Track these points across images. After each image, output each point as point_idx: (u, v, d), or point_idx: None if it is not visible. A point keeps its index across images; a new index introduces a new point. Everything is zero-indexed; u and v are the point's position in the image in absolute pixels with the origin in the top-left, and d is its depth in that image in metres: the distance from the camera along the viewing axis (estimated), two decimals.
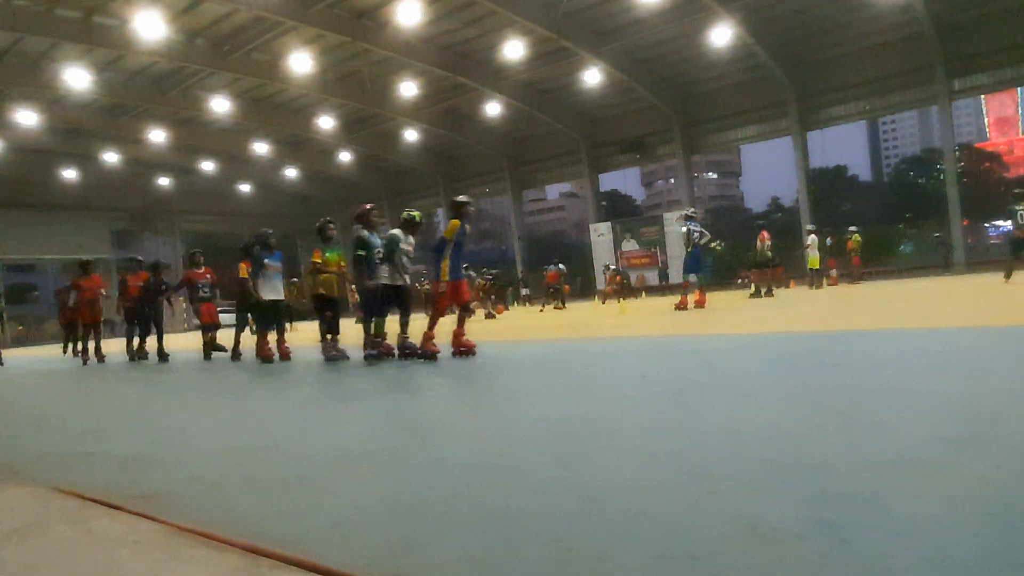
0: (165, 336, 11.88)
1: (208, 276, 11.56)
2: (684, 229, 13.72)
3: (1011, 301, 8.92)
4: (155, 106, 28.29)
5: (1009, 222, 15.76)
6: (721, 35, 22.74)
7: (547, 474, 2.33)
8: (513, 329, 12.50)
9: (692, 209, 17.83)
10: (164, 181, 37.68)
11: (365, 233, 7.35)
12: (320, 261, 8.20)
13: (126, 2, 20.31)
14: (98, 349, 12.19)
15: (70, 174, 33.95)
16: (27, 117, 26.15)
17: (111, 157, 32.33)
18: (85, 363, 11.98)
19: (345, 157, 35.85)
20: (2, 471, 3.08)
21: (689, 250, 13.48)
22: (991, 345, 4.88)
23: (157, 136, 29.68)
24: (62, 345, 15.69)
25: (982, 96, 58.64)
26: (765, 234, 17.62)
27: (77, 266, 12.78)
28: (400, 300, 7.48)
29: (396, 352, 7.41)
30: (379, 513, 2.06)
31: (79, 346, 13.62)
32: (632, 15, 23.24)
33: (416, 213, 7.75)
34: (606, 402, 3.80)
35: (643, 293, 23.72)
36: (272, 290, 9.01)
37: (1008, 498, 1.72)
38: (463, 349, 6.97)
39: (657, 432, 2.89)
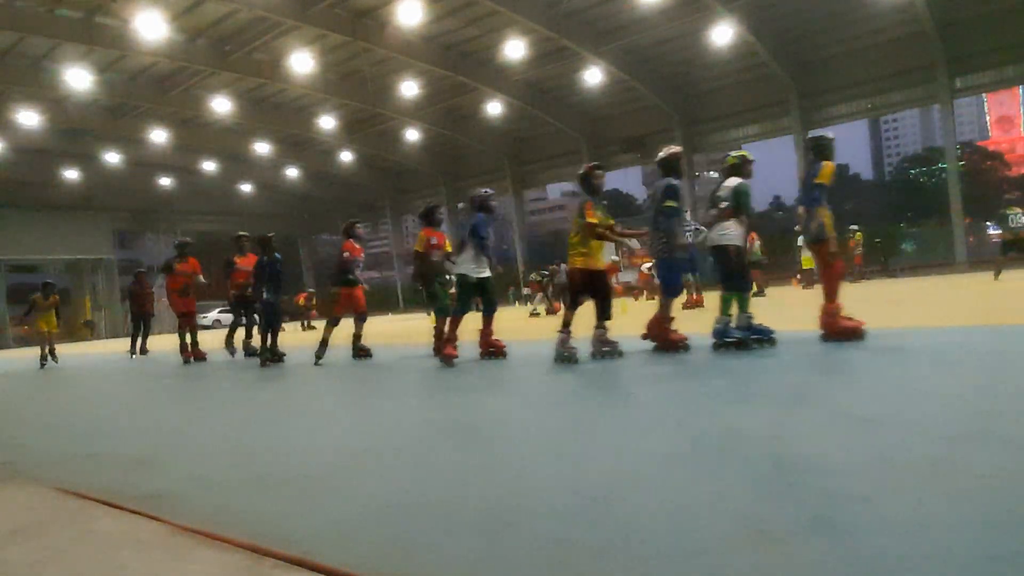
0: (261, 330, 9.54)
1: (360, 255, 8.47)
2: None
3: (1010, 300, 8.91)
4: (156, 106, 28.29)
5: (991, 224, 15.96)
6: (722, 34, 22.70)
7: (548, 472, 2.33)
8: (511, 330, 12.50)
9: (687, 209, 17.91)
10: (165, 181, 37.68)
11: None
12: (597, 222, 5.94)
13: (127, 2, 20.32)
14: (195, 345, 10.47)
15: (72, 174, 33.97)
16: (28, 118, 26.17)
17: (112, 157, 32.33)
18: (187, 361, 10.24)
19: (346, 157, 35.85)
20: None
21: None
22: (992, 344, 4.87)
23: (158, 136, 29.68)
24: (130, 342, 13.44)
25: (984, 94, 58.57)
26: (754, 235, 17.62)
27: (174, 247, 10.97)
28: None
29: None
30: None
31: (140, 343, 12.85)
32: (633, 14, 23.21)
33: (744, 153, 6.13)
34: (606, 403, 3.80)
35: (644, 293, 23.64)
36: (479, 265, 6.81)
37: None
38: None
39: (656, 432, 2.89)
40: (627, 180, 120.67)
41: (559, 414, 3.64)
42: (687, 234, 13.38)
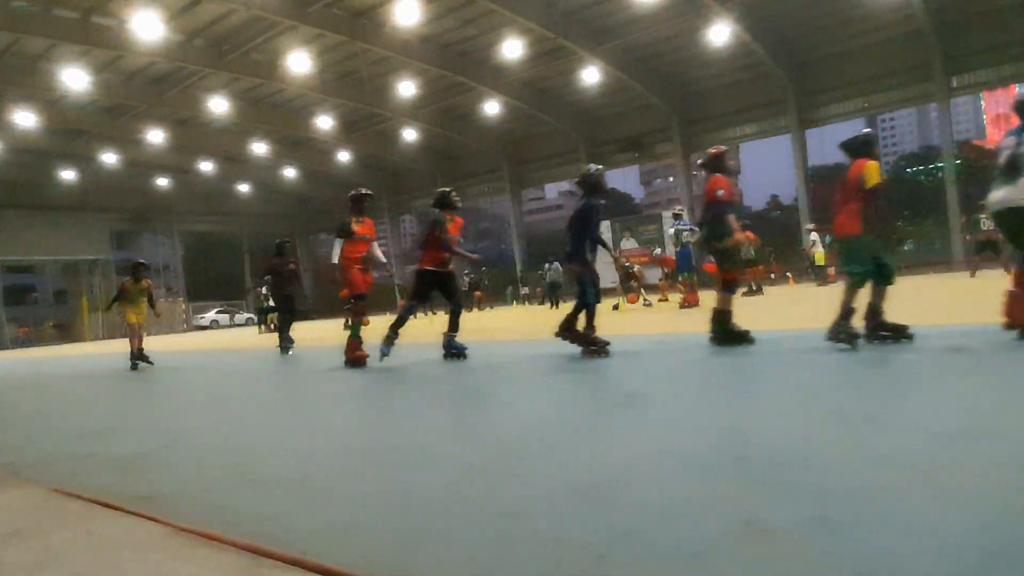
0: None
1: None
2: (672, 230, 14.03)
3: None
4: (154, 106, 28.26)
5: (965, 229, 17.15)
6: (719, 33, 22.73)
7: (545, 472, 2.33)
8: (510, 329, 12.49)
9: (680, 208, 18.09)
10: (163, 181, 37.67)
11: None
12: None
13: (124, 2, 20.30)
14: (359, 341, 6.98)
15: (69, 175, 33.93)
16: (25, 118, 26.14)
17: (110, 158, 32.30)
18: (355, 363, 6.83)
19: (344, 157, 35.85)
20: None
21: (678, 249, 13.65)
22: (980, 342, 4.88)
23: (156, 136, 29.66)
24: (278, 335, 10.87)
25: (980, 93, 58.61)
26: (749, 234, 17.63)
27: (351, 199, 7.29)
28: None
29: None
30: None
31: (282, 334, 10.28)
32: (630, 14, 23.23)
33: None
34: (605, 402, 3.80)
35: (642, 292, 23.64)
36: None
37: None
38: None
39: (655, 430, 2.89)
40: (625, 180, 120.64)
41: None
42: (683, 234, 13.50)
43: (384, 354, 6.62)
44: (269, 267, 11.09)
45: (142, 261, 10.64)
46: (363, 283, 7.33)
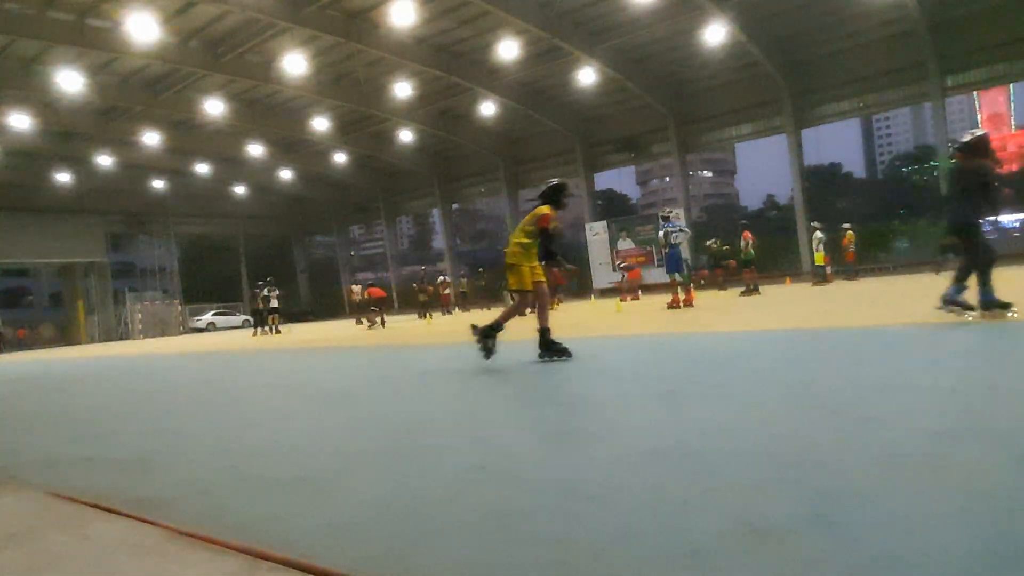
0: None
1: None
2: (661, 232, 14.13)
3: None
4: (149, 109, 28.19)
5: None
6: (714, 33, 22.77)
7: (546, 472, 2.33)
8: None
9: (668, 210, 18.27)
10: (158, 184, 37.57)
11: None
12: None
13: (119, 4, 20.24)
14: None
15: (64, 177, 33.83)
16: (20, 120, 26.03)
17: (105, 160, 32.21)
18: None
19: (340, 158, 35.82)
20: None
21: (667, 251, 13.72)
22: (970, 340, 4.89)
23: (151, 139, 29.57)
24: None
25: (975, 92, 58.86)
26: (748, 234, 17.72)
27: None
28: None
29: None
30: None
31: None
32: (626, 14, 23.26)
33: None
34: (605, 401, 3.80)
35: (639, 292, 23.70)
36: None
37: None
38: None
39: (654, 430, 2.89)
40: (621, 180, 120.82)
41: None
42: (674, 235, 13.57)
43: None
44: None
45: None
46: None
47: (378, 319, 19.76)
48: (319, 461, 2.86)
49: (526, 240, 6.01)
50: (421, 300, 24.24)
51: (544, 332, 5.88)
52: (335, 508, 2.14)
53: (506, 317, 6.06)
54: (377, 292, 20.28)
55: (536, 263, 6.10)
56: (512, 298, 6.31)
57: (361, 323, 19.69)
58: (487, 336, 5.86)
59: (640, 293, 23.39)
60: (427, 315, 23.24)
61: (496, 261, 48.71)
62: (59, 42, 21.80)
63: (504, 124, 32.96)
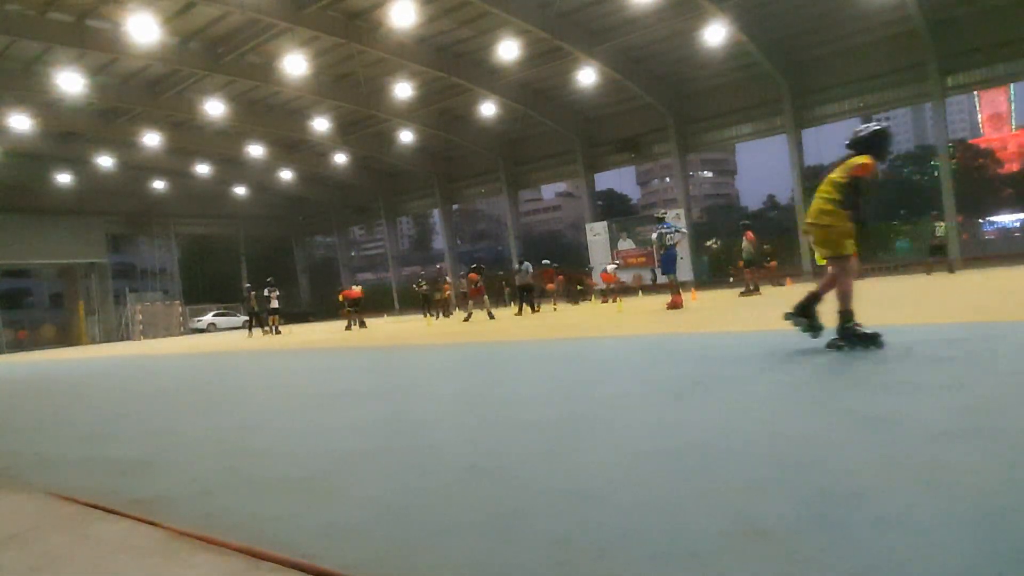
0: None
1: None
2: (655, 234, 14.15)
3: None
4: (149, 109, 28.20)
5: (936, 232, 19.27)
6: (715, 34, 22.76)
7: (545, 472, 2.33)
8: (505, 330, 12.50)
9: (664, 211, 18.26)
10: (159, 184, 37.57)
11: None
12: None
13: (119, 5, 20.25)
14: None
15: (64, 178, 33.84)
16: (20, 122, 26.04)
17: (105, 161, 32.22)
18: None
19: (340, 159, 35.83)
20: None
21: (663, 252, 13.72)
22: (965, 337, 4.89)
23: (151, 139, 29.58)
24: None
25: (975, 92, 58.90)
26: (751, 234, 17.70)
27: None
28: None
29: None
30: None
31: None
32: (626, 14, 23.26)
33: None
34: (604, 400, 3.81)
35: (640, 292, 23.72)
36: None
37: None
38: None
39: (653, 430, 2.89)
40: (621, 180, 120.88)
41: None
42: (669, 236, 13.59)
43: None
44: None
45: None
46: None
47: (356, 321, 19.71)
48: (319, 461, 2.86)
49: (838, 196, 5.03)
50: (437, 299, 24.30)
51: (846, 316, 4.94)
52: (335, 508, 2.15)
53: (825, 288, 5.15)
54: (352, 293, 20.26)
55: (850, 225, 5.03)
56: (829, 269, 5.19)
57: (351, 328, 19.62)
58: (806, 315, 5.14)
59: (619, 297, 22.86)
60: (443, 314, 23.29)
61: (496, 261, 48.73)
62: (60, 43, 21.82)
63: (504, 124, 32.96)
